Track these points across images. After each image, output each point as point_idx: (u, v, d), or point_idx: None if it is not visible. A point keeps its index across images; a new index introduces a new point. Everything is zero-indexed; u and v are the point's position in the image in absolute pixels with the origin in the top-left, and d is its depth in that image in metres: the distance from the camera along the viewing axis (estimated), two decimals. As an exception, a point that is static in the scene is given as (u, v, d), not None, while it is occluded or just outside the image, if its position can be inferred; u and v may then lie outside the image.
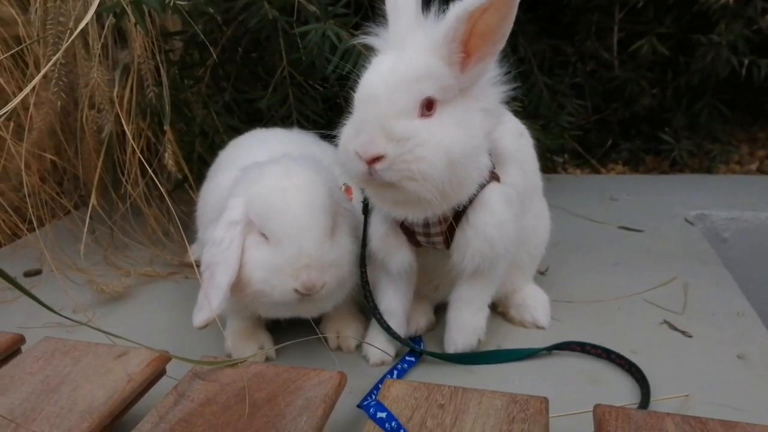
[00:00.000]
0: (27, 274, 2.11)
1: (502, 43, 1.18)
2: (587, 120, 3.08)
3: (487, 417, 1.05)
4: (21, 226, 2.25)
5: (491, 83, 1.27)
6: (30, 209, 2.13)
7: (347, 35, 1.82)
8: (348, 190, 1.59)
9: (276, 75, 2.12)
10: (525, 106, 2.56)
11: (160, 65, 2.11)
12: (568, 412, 1.24)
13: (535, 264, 1.68)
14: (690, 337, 1.54)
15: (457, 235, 1.33)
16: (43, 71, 1.21)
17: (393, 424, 1.02)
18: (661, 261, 1.95)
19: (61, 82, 1.90)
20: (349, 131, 1.23)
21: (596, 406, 1.07)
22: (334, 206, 1.37)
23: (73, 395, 1.16)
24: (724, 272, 1.88)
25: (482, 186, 1.30)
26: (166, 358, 1.26)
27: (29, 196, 2.33)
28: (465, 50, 1.17)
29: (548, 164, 2.88)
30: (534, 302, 1.61)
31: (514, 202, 1.38)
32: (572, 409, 1.25)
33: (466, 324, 1.46)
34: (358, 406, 1.18)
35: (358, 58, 1.80)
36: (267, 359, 1.51)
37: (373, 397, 1.17)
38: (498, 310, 1.65)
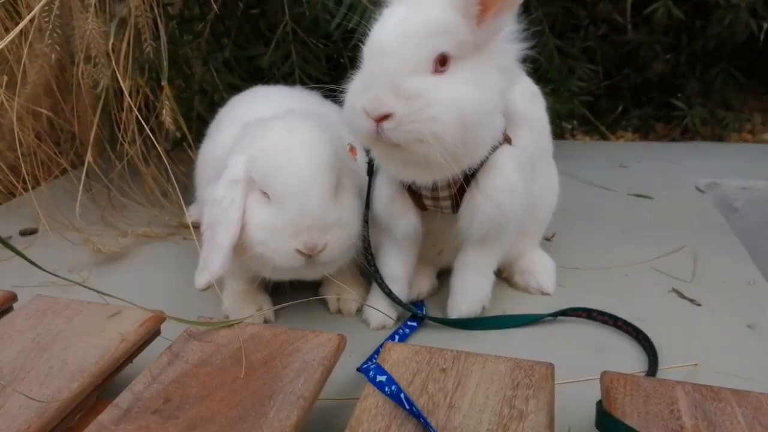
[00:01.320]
0: (23, 233, 2.08)
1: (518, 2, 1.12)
2: (598, 85, 3.00)
3: (491, 382, 1.01)
4: (16, 184, 2.21)
5: (508, 40, 1.20)
6: (25, 168, 2.09)
7: (353, -12, 1.75)
8: (352, 150, 1.53)
9: (278, 31, 2.05)
10: (537, 67, 2.49)
11: (159, 19, 2.03)
12: (574, 379, 1.21)
13: (542, 230, 1.63)
14: (699, 305, 1.50)
15: (466, 199, 1.28)
16: (31, 14, 1.14)
17: (393, 387, 0.99)
18: (671, 229, 1.90)
19: (55, 34, 1.83)
20: (356, 87, 1.17)
21: (604, 373, 1.03)
22: (339, 165, 1.32)
23: (64, 354, 1.12)
24: (734, 241, 1.83)
25: (494, 148, 1.24)
26: (160, 318, 1.23)
27: (25, 154, 2.29)
28: (482, 3, 1.11)
29: (557, 130, 2.80)
30: (540, 268, 1.57)
31: (525, 165, 1.33)
32: (578, 377, 1.21)
33: (471, 290, 1.42)
34: (358, 369, 1.15)
35: (364, 13, 1.72)
36: (265, 321, 1.47)
37: (374, 360, 1.13)
38: (503, 275, 1.61)
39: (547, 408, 0.95)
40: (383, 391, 1.00)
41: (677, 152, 2.60)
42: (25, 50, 1.88)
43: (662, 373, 1.25)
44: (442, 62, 1.12)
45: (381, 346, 1.24)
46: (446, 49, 1.11)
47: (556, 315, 1.44)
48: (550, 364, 1.06)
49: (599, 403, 0.99)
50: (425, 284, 1.54)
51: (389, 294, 1.40)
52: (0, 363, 1.09)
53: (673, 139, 2.86)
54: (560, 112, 2.62)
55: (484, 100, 1.14)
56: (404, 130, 1.10)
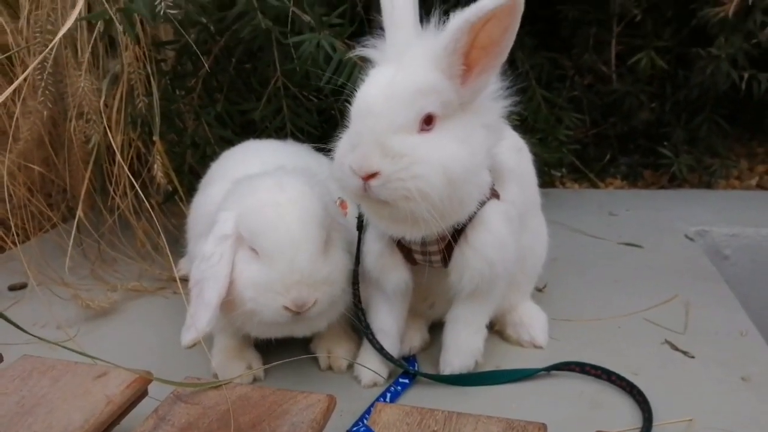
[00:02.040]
0: (12, 288, 2.06)
1: (504, 56, 1.14)
2: (585, 134, 3.05)
3: (483, 444, 1.00)
4: (6, 238, 2.20)
5: (493, 97, 1.22)
6: (15, 222, 2.08)
7: (342, 46, 1.79)
8: (343, 204, 1.54)
9: (269, 86, 2.08)
10: (523, 119, 2.53)
11: (151, 75, 2.07)
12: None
13: (533, 281, 1.63)
14: (692, 357, 1.50)
15: (456, 254, 1.29)
16: (25, 74, 1.16)
17: None
18: (662, 278, 1.90)
19: (48, 91, 1.86)
20: (344, 145, 1.19)
21: (597, 433, 1.02)
22: (329, 221, 1.33)
23: (48, 418, 1.10)
24: (725, 290, 1.83)
25: (482, 203, 1.26)
26: (147, 379, 1.21)
27: (15, 207, 2.29)
28: (466, 63, 1.13)
29: (546, 178, 2.84)
30: (531, 321, 1.56)
31: (514, 220, 1.34)
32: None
33: (463, 345, 1.42)
34: (348, 431, 1.13)
35: (353, 70, 1.76)
36: (255, 380, 1.45)
37: (364, 422, 1.12)
38: (495, 328, 1.60)
39: (540, 471, 0.94)
40: None
41: (666, 200, 2.63)
42: (18, 107, 1.91)
43: (658, 429, 1.24)
44: (428, 121, 1.14)
45: (371, 406, 1.22)
46: (432, 110, 1.13)
47: (549, 369, 1.43)
48: (543, 424, 1.04)
49: None
50: (417, 339, 1.53)
51: (381, 350, 1.39)
52: (-15, 426, 1.07)
53: (662, 186, 2.89)
54: (549, 160, 2.66)
55: (469, 157, 1.16)
56: (391, 188, 1.12)
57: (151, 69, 2.11)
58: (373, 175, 1.11)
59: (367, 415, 1.21)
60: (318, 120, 2.16)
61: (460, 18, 1.08)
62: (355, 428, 1.08)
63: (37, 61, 1.55)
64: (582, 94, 2.97)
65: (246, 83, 2.28)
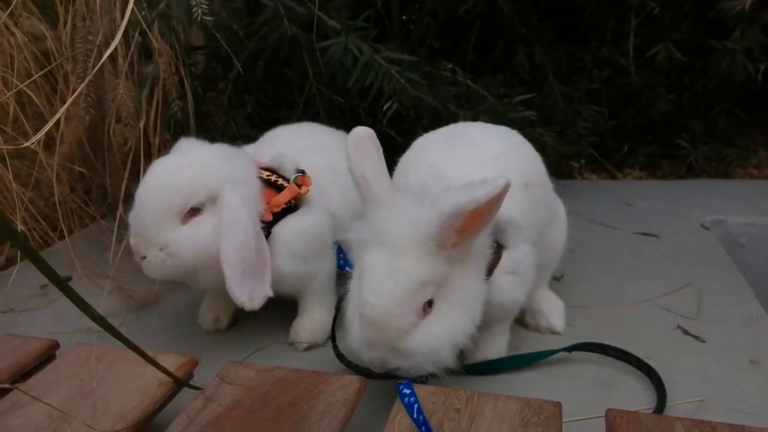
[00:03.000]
0: (58, 282, 2.19)
1: (492, 219, 1.20)
2: (603, 126, 3.10)
3: (502, 421, 1.09)
4: (51, 234, 2.34)
5: (484, 249, 1.28)
6: (60, 218, 2.21)
7: (368, 48, 1.88)
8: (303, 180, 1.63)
9: (305, 92, 2.19)
10: (542, 113, 2.60)
11: (185, 78, 2.18)
12: (581, 416, 1.27)
13: (550, 272, 1.71)
14: (703, 342, 1.57)
15: None
16: (76, 93, 1.27)
17: (421, 418, 1.10)
18: (677, 267, 1.97)
19: (89, 98, 1.98)
20: (357, 335, 1.23)
21: (608, 411, 1.10)
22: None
23: (106, 399, 1.22)
24: (738, 278, 1.89)
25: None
26: (194, 362, 1.32)
27: (59, 204, 2.42)
28: (458, 232, 1.16)
29: (564, 170, 2.91)
30: (549, 308, 1.64)
31: (523, 268, 1.39)
32: (586, 414, 1.28)
33: (489, 346, 1.51)
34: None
35: (380, 70, 1.86)
36: (217, 330, 1.75)
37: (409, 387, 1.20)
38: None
39: (555, 444, 1.03)
40: (410, 413, 1.11)
41: (682, 190, 2.68)
42: (63, 114, 2.03)
43: (670, 408, 1.31)
44: (429, 305, 1.20)
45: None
46: (430, 296, 1.19)
47: (570, 350, 1.50)
48: (558, 402, 1.13)
49: None
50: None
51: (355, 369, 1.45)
52: (49, 409, 1.18)
53: (680, 177, 2.94)
54: (567, 152, 2.72)
55: (471, 316, 1.24)
56: (413, 374, 1.23)
57: (184, 72, 2.23)
58: (395, 368, 1.22)
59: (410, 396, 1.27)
60: (347, 119, 2.26)
61: (454, 204, 1.12)
62: (401, 384, 1.19)
63: (87, 79, 1.65)
64: (600, 87, 3.02)
65: (274, 85, 2.39)
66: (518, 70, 2.81)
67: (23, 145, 1.39)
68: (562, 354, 1.50)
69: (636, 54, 2.93)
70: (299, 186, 1.59)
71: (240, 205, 1.46)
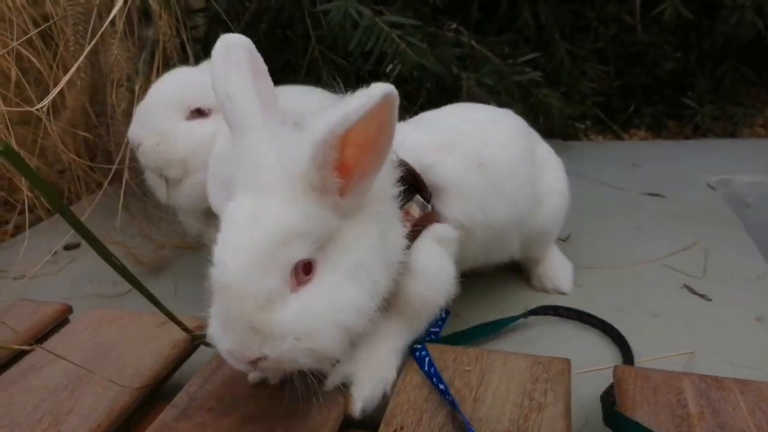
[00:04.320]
0: (67, 248, 2.20)
1: (387, 152, 0.95)
2: (609, 85, 3.07)
3: (512, 377, 1.10)
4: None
5: (387, 179, 1.06)
6: (65, 185, 2.22)
7: (369, 12, 1.85)
8: None
9: (307, 55, 2.17)
10: (547, 73, 2.57)
11: (186, 42, 2.15)
12: (588, 368, 1.29)
13: (554, 234, 1.67)
14: (710, 300, 1.58)
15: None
16: (80, 59, 1.26)
17: (433, 370, 1.12)
18: (683, 226, 1.97)
19: (90, 63, 1.96)
20: (215, 322, 0.97)
21: (616, 367, 1.12)
22: None
23: (121, 361, 1.24)
24: (744, 237, 1.90)
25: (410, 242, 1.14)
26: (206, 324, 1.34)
27: (65, 171, 2.42)
28: (341, 170, 0.92)
29: (570, 131, 2.89)
30: (556, 269, 1.65)
31: (453, 240, 1.24)
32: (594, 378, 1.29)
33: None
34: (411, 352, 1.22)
35: (380, 34, 1.84)
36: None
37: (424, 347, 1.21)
38: (522, 276, 1.70)
39: (564, 399, 1.04)
40: (422, 366, 1.14)
41: (689, 150, 2.67)
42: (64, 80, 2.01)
43: (661, 362, 1.32)
44: (306, 270, 0.93)
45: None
46: (304, 256, 0.92)
47: (527, 315, 1.49)
48: (567, 359, 1.15)
49: (603, 399, 1.07)
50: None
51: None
52: (66, 370, 1.21)
53: (686, 137, 2.92)
54: (572, 113, 2.70)
55: (366, 289, 0.98)
56: (284, 367, 0.96)
57: (186, 36, 2.20)
58: (258, 359, 0.92)
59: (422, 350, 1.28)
60: (351, 82, 2.25)
61: (323, 129, 0.86)
62: (417, 347, 1.20)
63: (87, 50, 1.63)
64: (606, 45, 2.98)
65: (276, 48, 2.36)
66: (523, 29, 2.77)
67: (32, 108, 1.38)
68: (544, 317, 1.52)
69: (642, 11, 2.88)
70: None
71: None
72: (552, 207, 1.55)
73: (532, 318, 1.50)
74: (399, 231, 1.10)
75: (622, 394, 1.05)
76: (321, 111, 1.64)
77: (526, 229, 1.49)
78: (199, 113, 1.53)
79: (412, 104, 2.42)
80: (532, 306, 1.58)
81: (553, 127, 2.60)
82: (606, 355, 1.38)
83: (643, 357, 1.36)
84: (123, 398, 1.13)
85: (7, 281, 1.96)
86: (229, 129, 1.02)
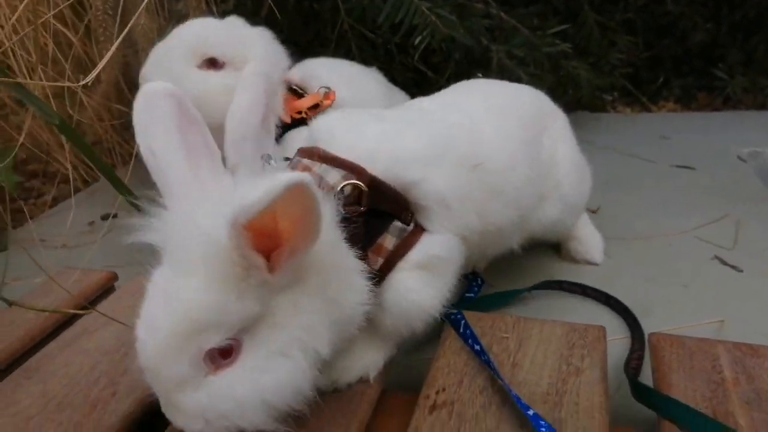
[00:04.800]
0: (104, 218, 2.26)
1: (318, 229, 0.83)
2: (638, 57, 3.04)
3: (549, 343, 1.14)
4: (94, 173, 2.40)
5: (334, 249, 0.94)
6: (102, 156, 2.26)
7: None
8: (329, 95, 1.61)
9: (336, 28, 2.18)
10: (575, 44, 2.55)
11: (214, 15, 2.17)
12: (622, 336, 1.32)
13: (581, 209, 1.62)
14: (741, 271, 1.59)
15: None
16: (120, 37, 1.28)
17: (468, 331, 1.15)
18: (713, 198, 1.97)
19: (108, 33, 2.00)
20: None
21: (651, 335, 1.15)
22: None
23: (170, 325, 1.29)
24: (776, 208, 1.90)
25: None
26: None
27: (99, 143, 2.47)
28: (267, 248, 0.82)
29: (597, 103, 2.88)
30: (587, 240, 1.67)
31: (440, 265, 1.10)
32: (626, 341, 1.32)
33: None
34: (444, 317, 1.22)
35: (411, 5, 1.84)
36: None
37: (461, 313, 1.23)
38: (552, 247, 1.72)
39: (600, 365, 1.07)
40: (457, 329, 1.16)
41: (719, 122, 2.65)
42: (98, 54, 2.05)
43: (693, 329, 1.35)
44: (224, 354, 0.86)
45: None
46: (217, 344, 0.84)
47: (531, 290, 1.50)
48: (602, 327, 1.17)
49: (627, 372, 1.10)
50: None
51: None
52: (116, 335, 1.26)
53: (716, 109, 2.89)
54: (600, 85, 2.69)
55: (310, 359, 0.90)
56: None
57: (215, 9, 2.22)
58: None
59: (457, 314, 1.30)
60: (380, 54, 2.26)
61: (229, 217, 0.75)
62: (453, 312, 1.22)
63: (123, 34, 1.66)
64: (636, 16, 2.95)
65: (305, 21, 2.37)
66: (552, 0, 2.75)
67: (74, 85, 1.42)
68: (598, 280, 1.54)
69: (673, -19, 2.84)
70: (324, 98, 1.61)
71: (261, 77, 1.50)
72: (568, 186, 1.45)
73: (538, 292, 1.53)
74: (356, 286, 0.97)
75: (657, 360, 1.08)
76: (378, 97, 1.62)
77: (536, 222, 1.40)
78: (212, 64, 1.54)
79: (440, 77, 2.42)
80: (561, 278, 1.61)
81: (580, 98, 2.59)
82: (618, 327, 1.40)
83: (673, 325, 1.39)
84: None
85: (48, 251, 2.02)
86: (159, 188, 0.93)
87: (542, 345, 1.14)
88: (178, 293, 0.83)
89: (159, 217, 0.87)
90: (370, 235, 1.02)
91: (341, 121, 1.12)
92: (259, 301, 0.85)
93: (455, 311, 1.22)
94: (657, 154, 2.33)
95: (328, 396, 1.05)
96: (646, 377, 1.12)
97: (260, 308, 0.85)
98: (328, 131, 1.09)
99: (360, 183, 1.00)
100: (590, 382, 1.04)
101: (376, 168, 1.03)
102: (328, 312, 0.92)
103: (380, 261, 1.04)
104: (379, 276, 1.04)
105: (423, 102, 1.33)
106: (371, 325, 1.07)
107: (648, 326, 1.38)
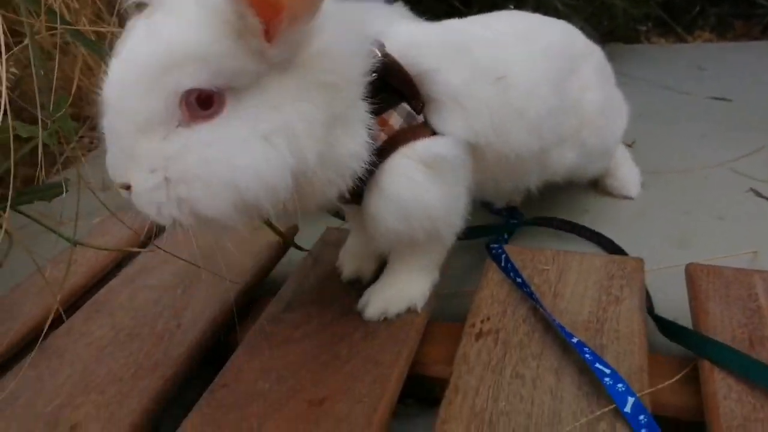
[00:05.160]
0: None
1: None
2: (674, -16, 2.95)
3: (589, 274, 1.18)
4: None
5: (348, 53, 0.87)
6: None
7: None
8: None
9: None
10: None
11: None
12: (660, 266, 1.34)
13: (617, 141, 1.59)
14: (776, 203, 1.61)
15: (366, 200, 1.01)
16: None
17: (509, 265, 1.20)
18: (750, 131, 1.96)
19: None
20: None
21: (688, 265, 1.19)
22: None
23: (224, 261, 1.34)
24: (814, 140, 1.89)
25: (381, 153, 0.97)
26: (295, 229, 1.44)
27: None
28: (265, 9, 0.74)
29: (631, 34, 2.83)
30: (624, 173, 1.68)
31: (444, 166, 1.03)
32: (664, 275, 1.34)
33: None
34: (487, 246, 1.29)
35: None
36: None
37: (502, 247, 1.28)
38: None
39: (639, 294, 1.12)
40: (498, 263, 1.21)
41: (756, 52, 2.59)
42: None
43: (726, 260, 1.35)
44: (204, 103, 0.77)
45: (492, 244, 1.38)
46: (196, 85, 0.75)
47: (515, 226, 1.53)
48: (640, 258, 1.22)
49: (650, 311, 1.14)
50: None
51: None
52: (175, 270, 1.33)
53: (754, 38, 2.82)
54: (635, 15, 2.63)
55: (281, 151, 0.80)
56: (153, 210, 0.81)
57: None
58: (125, 185, 0.81)
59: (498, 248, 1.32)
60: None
61: None
62: (494, 246, 1.27)
63: None
64: (673, -58, 2.85)
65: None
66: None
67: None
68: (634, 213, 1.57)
69: None
70: None
71: None
72: (589, 133, 1.39)
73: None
74: (356, 134, 0.91)
75: (695, 290, 1.12)
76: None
77: (554, 164, 1.33)
78: None
79: (470, 9, 2.39)
80: (594, 208, 1.63)
81: (615, 29, 2.54)
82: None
83: (708, 256, 1.42)
84: (231, 294, 1.25)
85: (90, 195, 2.08)
86: None
87: (582, 276, 1.18)
88: (163, 25, 0.76)
89: None
90: (376, 105, 0.93)
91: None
92: (254, 64, 0.78)
93: (495, 245, 1.27)
94: (693, 86, 2.30)
95: (379, 324, 1.12)
96: (684, 306, 1.16)
97: (254, 70, 0.78)
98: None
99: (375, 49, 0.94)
100: (629, 310, 1.09)
101: (394, 50, 0.98)
102: (326, 110, 0.83)
103: (383, 137, 0.97)
104: (378, 154, 0.95)
105: (455, 21, 1.26)
106: (411, 253, 1.11)
107: (684, 258, 1.40)
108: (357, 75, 0.89)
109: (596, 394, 0.93)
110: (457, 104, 1.02)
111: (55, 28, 1.20)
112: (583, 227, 1.51)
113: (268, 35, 0.76)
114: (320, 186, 0.91)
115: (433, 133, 1.02)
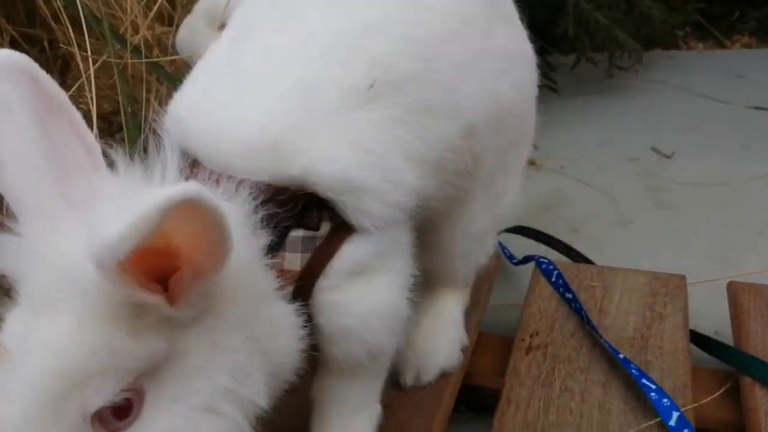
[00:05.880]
0: None
1: (227, 239, 0.57)
2: (712, -11, 2.94)
3: (633, 291, 1.24)
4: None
5: (253, 278, 0.70)
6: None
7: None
8: None
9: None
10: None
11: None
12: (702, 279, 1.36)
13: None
14: (817, 217, 1.63)
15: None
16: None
17: (556, 273, 1.26)
18: (791, 141, 1.98)
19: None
20: None
21: (730, 283, 1.24)
22: None
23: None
24: None
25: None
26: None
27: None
28: (161, 274, 0.59)
29: (668, 39, 2.82)
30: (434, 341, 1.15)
31: (374, 264, 0.81)
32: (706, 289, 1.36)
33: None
34: (531, 258, 1.35)
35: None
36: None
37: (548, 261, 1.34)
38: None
39: (682, 311, 1.18)
40: (549, 278, 1.26)
41: (798, 58, 2.58)
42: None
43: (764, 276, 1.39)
44: (120, 413, 0.61)
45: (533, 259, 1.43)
46: (108, 401, 0.59)
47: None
48: (683, 275, 1.27)
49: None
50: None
51: None
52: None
53: (795, 43, 2.81)
54: (672, 20, 2.63)
55: (230, 421, 0.66)
56: None
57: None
58: None
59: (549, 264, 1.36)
60: None
61: (95, 261, 0.52)
62: (537, 257, 1.34)
63: None
64: (710, -56, 2.83)
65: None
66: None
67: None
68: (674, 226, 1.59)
69: None
70: None
71: None
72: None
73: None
74: (282, 312, 0.75)
75: (737, 308, 1.17)
76: None
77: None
78: None
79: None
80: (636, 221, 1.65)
81: (654, 37, 2.56)
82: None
83: (749, 269, 1.45)
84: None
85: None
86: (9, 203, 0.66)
87: (626, 293, 1.24)
88: (43, 339, 0.59)
89: (9, 245, 0.62)
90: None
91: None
92: (163, 336, 0.62)
93: (546, 260, 1.32)
94: (732, 95, 2.31)
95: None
96: (724, 320, 1.21)
97: (165, 344, 0.62)
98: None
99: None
100: (673, 327, 1.14)
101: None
102: (256, 352, 0.69)
103: (288, 288, 0.76)
104: (302, 299, 0.78)
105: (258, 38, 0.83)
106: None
107: (723, 271, 1.45)
108: (266, 288, 0.73)
109: (642, 408, 1.00)
110: (357, 191, 0.77)
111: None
112: (557, 240, 1.51)
113: (170, 297, 0.61)
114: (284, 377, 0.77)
115: (347, 228, 0.79)
